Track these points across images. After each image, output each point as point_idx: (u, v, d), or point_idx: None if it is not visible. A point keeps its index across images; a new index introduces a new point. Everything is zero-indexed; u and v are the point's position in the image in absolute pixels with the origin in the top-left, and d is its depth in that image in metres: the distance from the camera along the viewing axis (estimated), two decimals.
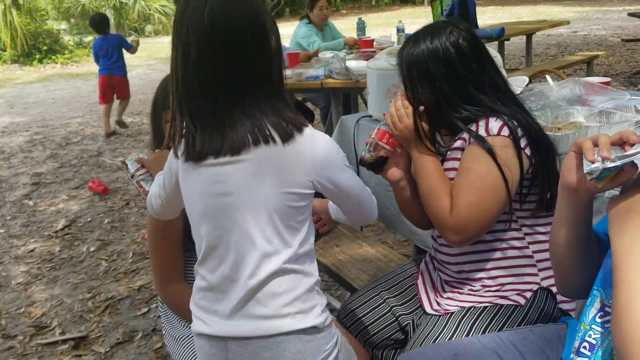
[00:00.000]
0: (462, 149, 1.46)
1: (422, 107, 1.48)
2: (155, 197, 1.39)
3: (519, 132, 1.39)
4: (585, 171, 0.95)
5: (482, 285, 1.51)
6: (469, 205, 1.37)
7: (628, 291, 0.85)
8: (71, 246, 3.73)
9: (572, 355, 1.05)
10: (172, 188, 1.31)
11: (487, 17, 14.45)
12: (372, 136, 1.56)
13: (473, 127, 1.42)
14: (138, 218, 4.08)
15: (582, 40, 11.13)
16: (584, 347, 1.03)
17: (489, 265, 1.50)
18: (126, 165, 1.64)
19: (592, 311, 1.04)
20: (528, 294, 1.48)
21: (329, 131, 5.02)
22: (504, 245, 1.49)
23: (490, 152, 1.36)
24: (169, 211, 1.42)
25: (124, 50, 6.62)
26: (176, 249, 1.63)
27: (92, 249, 3.65)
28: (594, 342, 1.01)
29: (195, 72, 1.16)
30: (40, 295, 3.14)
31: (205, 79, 1.16)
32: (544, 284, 1.48)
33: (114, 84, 6.52)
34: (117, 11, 21.08)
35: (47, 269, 3.43)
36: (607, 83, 2.30)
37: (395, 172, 1.58)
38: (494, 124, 1.40)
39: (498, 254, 1.49)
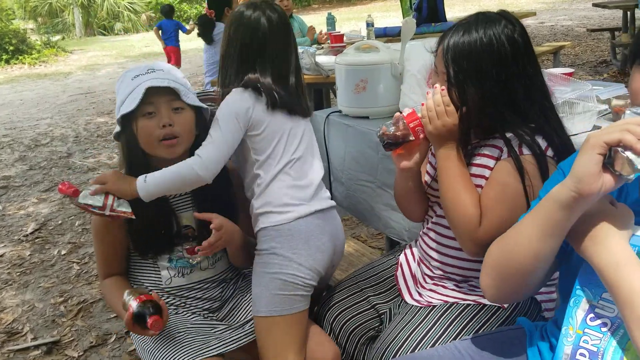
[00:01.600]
0: (495, 158, 1.37)
1: (464, 108, 1.35)
2: (217, 162, 1.57)
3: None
4: (637, 166, 0.84)
5: (467, 284, 1.52)
6: (500, 222, 1.27)
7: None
8: (42, 250, 3.67)
9: None
10: (239, 134, 1.62)
11: (456, 10, 14.54)
12: (403, 115, 1.42)
13: (515, 141, 1.32)
14: None
15: (549, 30, 11.31)
16: (582, 355, 0.95)
17: (477, 266, 1.49)
18: (88, 205, 1.49)
19: (580, 313, 0.98)
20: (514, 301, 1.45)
21: None
22: None
23: (528, 171, 1.30)
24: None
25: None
26: (117, 250, 1.64)
27: (63, 252, 3.59)
28: (594, 348, 0.94)
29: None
30: (11, 300, 3.08)
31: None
32: None
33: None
34: (85, 9, 20.75)
35: (18, 273, 3.38)
36: (570, 74, 2.34)
37: (407, 159, 1.47)
38: (541, 142, 1.32)
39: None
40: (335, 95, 5.21)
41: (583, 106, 2.04)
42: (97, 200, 1.49)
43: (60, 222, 4.09)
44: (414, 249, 1.73)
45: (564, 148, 1.35)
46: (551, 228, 0.96)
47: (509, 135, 1.34)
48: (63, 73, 12.39)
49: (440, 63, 1.39)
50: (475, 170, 1.41)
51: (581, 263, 0.99)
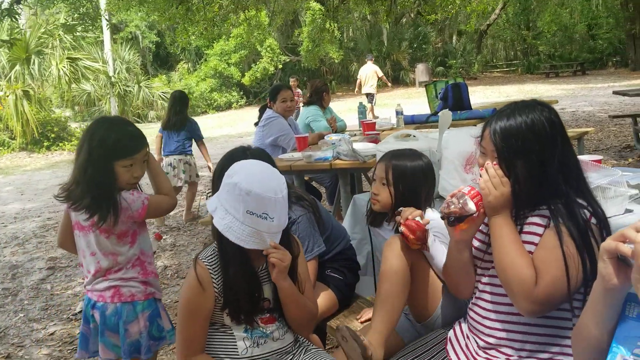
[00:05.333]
0: (542, 226, 1.54)
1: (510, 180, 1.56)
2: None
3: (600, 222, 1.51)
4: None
5: (518, 356, 1.62)
6: (555, 280, 1.46)
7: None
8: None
9: None
10: None
11: (477, 97, 15.04)
12: (463, 192, 1.61)
13: (559, 212, 1.51)
14: None
15: (571, 116, 11.60)
16: None
17: (525, 338, 1.61)
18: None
19: None
20: None
21: (336, 207, 5.24)
22: (542, 322, 1.59)
23: (574, 237, 1.47)
24: None
25: None
26: (204, 325, 1.79)
27: None
28: None
29: None
30: None
31: None
32: None
33: None
34: (121, 99, 21.86)
35: (69, 351, 3.50)
36: (599, 161, 2.51)
37: (467, 232, 1.65)
38: (584, 211, 1.51)
39: (535, 329, 1.59)
40: (367, 178, 5.47)
41: (615, 191, 2.19)
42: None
43: None
44: (463, 325, 1.84)
45: (604, 216, 1.53)
46: (601, 313, 1.18)
47: (553, 207, 1.53)
48: None
49: (488, 144, 1.61)
50: (525, 237, 1.58)
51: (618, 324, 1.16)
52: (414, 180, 2.13)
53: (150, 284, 2.20)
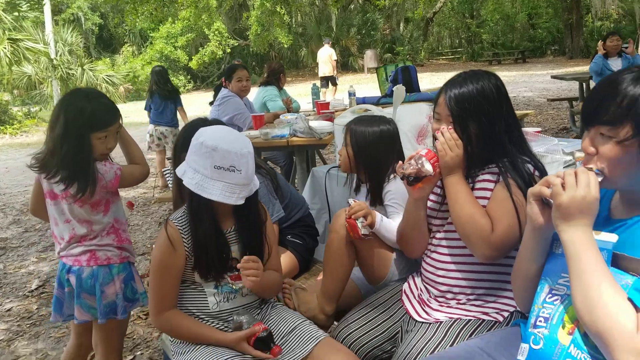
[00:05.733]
0: (493, 181, 1.73)
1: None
2: None
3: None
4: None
5: (467, 300, 1.82)
6: (509, 227, 1.65)
7: (586, 273, 1.16)
8: (48, 304, 3.81)
9: (530, 330, 1.32)
10: None
11: (424, 83, 15.35)
12: (421, 154, 1.77)
13: (506, 169, 1.70)
14: None
15: (513, 101, 12.05)
16: (540, 321, 1.31)
17: (474, 284, 1.81)
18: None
19: (542, 295, 1.33)
20: (505, 314, 1.78)
21: (292, 185, 5.38)
22: (491, 269, 1.79)
23: (522, 188, 1.66)
24: None
25: None
26: (175, 283, 1.89)
27: None
28: (547, 316, 1.30)
29: None
30: (24, 350, 3.22)
31: None
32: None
33: None
34: (63, 82, 21.12)
35: (28, 325, 3.52)
36: (538, 132, 2.75)
37: (424, 191, 1.81)
38: (528, 166, 1.71)
39: (485, 276, 1.80)
40: (320, 155, 5.64)
41: (551, 157, 2.43)
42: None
43: None
44: (416, 278, 2.02)
45: (544, 169, 1.74)
46: (531, 252, 1.39)
47: (500, 163, 1.72)
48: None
49: (443, 109, 1.77)
50: (478, 193, 1.76)
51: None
52: (368, 143, 2.26)
53: (125, 249, 2.28)
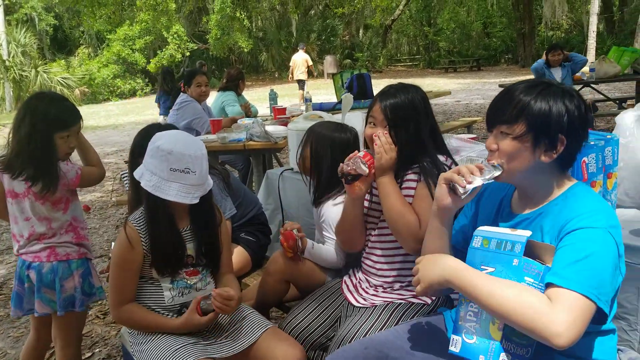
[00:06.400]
0: (416, 180, 1.94)
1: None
2: None
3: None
4: (461, 192, 1.44)
5: (400, 286, 2.04)
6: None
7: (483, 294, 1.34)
8: (6, 305, 3.85)
9: (460, 322, 1.43)
10: None
11: (380, 88, 15.78)
12: (358, 155, 1.92)
13: (427, 170, 1.92)
14: None
15: (465, 108, 12.56)
16: (469, 315, 1.42)
17: (406, 273, 2.03)
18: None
19: None
20: (433, 297, 2.00)
21: (249, 188, 5.52)
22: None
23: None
24: None
25: None
26: (134, 278, 2.02)
27: None
28: (476, 310, 1.40)
29: None
30: None
31: None
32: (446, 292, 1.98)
33: None
34: (16, 84, 20.68)
35: None
36: (474, 138, 2.99)
37: (361, 189, 1.97)
38: (446, 165, 1.95)
39: (412, 265, 2.00)
40: (277, 159, 5.80)
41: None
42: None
43: None
44: (356, 271, 2.22)
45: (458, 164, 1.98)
46: (437, 232, 1.60)
47: (422, 164, 1.94)
48: None
49: (379, 114, 1.97)
50: (404, 191, 1.97)
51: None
52: (323, 147, 2.41)
53: (84, 246, 2.40)
